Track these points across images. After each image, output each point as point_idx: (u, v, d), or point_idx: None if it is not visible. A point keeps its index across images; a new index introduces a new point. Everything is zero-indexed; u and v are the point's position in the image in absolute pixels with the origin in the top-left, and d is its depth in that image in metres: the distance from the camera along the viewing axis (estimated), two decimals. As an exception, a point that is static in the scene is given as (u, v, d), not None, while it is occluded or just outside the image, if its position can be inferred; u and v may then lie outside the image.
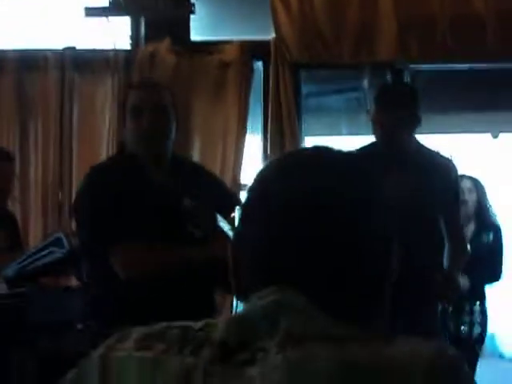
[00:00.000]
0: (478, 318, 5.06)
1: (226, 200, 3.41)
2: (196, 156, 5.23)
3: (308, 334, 1.05)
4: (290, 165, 1.16)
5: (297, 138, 5.22)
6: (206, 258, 3.08)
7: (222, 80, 5.22)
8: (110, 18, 5.28)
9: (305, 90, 5.57)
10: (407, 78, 5.45)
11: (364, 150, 3.84)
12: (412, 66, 5.44)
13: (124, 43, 5.43)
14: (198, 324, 1.10)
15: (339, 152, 1.20)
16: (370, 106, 4.14)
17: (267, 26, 5.26)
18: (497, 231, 5.22)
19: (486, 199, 5.27)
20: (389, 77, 5.41)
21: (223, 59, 5.21)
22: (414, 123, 3.93)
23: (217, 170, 5.17)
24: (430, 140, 4.55)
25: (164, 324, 1.11)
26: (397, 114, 3.86)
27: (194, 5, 5.10)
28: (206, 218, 3.17)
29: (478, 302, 5.09)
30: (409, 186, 3.71)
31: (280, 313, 1.06)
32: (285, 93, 5.19)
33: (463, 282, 4.61)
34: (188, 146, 5.20)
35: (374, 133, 3.93)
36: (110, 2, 5.15)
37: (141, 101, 3.19)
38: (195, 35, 5.37)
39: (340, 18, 5.22)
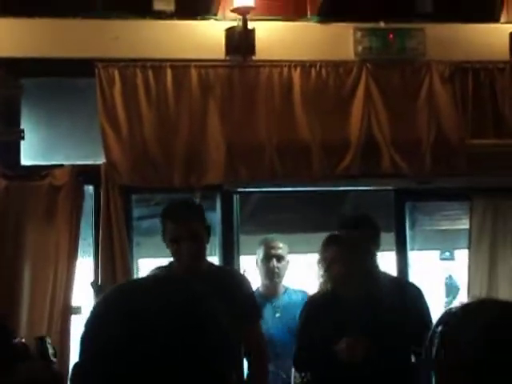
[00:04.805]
0: None
1: None
2: (27, 279, 5.17)
3: None
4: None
5: (127, 260, 5.26)
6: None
7: (53, 204, 5.23)
8: None
9: (137, 212, 5.66)
10: (236, 201, 5.64)
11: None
12: (240, 189, 5.64)
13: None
14: None
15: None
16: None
17: (98, 152, 5.35)
18: None
19: None
20: (218, 199, 5.59)
21: (54, 183, 5.24)
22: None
23: (48, 293, 5.15)
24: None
25: None
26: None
27: (23, 131, 5.13)
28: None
29: None
30: None
31: None
32: (115, 216, 5.24)
33: None
34: (19, 269, 5.15)
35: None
36: None
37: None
38: (26, 160, 5.38)
39: (169, 143, 5.38)
